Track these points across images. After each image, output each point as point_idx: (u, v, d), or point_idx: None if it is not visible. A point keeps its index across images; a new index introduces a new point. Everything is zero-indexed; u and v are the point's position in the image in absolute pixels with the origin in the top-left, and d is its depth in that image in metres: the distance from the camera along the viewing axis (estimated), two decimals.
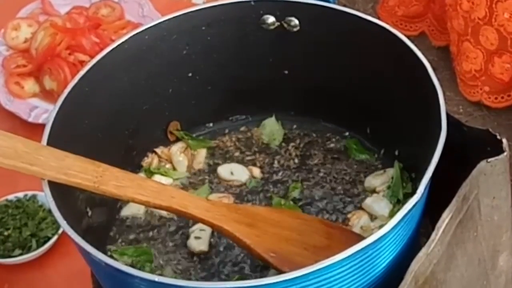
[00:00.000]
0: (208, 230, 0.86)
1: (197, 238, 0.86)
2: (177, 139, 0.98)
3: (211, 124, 1.01)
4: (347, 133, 0.97)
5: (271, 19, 0.92)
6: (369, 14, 0.88)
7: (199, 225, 0.86)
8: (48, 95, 1.31)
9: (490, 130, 0.74)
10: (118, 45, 0.88)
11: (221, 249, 0.86)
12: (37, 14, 1.44)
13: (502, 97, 1.60)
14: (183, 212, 0.76)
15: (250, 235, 0.76)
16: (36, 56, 1.32)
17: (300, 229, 0.80)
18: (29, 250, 1.04)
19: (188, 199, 0.77)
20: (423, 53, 0.81)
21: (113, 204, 0.90)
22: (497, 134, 0.73)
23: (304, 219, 0.83)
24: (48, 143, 0.78)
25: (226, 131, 1.00)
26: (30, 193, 1.11)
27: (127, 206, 0.91)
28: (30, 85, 1.32)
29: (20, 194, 1.11)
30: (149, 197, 0.75)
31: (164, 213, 0.89)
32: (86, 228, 0.82)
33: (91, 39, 1.31)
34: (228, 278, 0.83)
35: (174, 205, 0.75)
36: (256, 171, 0.94)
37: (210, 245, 0.86)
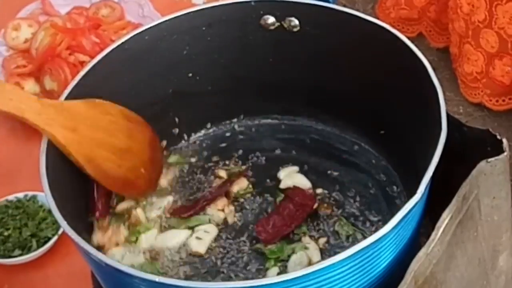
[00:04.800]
0: (212, 233, 0.87)
1: (198, 238, 0.86)
2: None
3: (209, 125, 1.01)
4: (346, 133, 0.97)
5: (271, 19, 0.92)
6: (369, 14, 0.88)
7: (205, 226, 0.88)
8: (48, 95, 1.30)
9: (490, 130, 0.74)
10: (118, 45, 0.88)
11: (218, 256, 0.86)
12: (37, 14, 1.44)
13: (503, 100, 1.61)
14: (19, 117, 0.78)
15: (73, 142, 0.81)
16: (36, 56, 1.32)
17: (109, 128, 0.87)
18: (29, 250, 1.04)
19: (25, 102, 0.79)
20: (423, 53, 0.81)
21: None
22: (497, 134, 0.73)
23: (111, 114, 0.88)
24: (49, 143, 0.78)
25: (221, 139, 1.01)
26: (30, 193, 1.10)
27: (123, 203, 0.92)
28: (30, 85, 1.32)
29: (20, 195, 1.11)
30: None
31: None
32: (86, 228, 0.83)
33: (91, 39, 1.31)
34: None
35: (11, 109, 0.78)
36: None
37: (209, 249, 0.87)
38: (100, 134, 0.86)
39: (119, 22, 1.40)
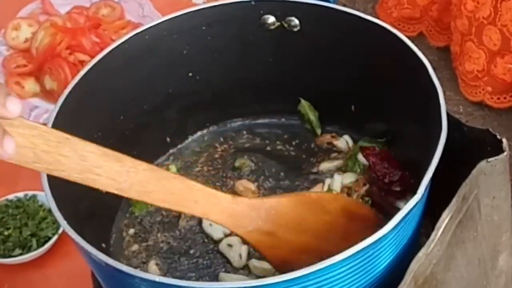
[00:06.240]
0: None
1: (229, 245, 0.86)
2: None
3: (209, 125, 1.01)
4: (346, 133, 0.97)
5: (271, 19, 0.92)
6: (369, 14, 0.88)
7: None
8: (48, 95, 1.31)
9: (490, 130, 0.74)
10: (118, 45, 0.88)
11: None
12: (37, 14, 1.44)
13: (505, 98, 1.60)
14: (204, 218, 0.72)
15: (267, 248, 0.74)
16: (36, 56, 1.32)
17: (320, 230, 0.75)
18: (29, 250, 1.04)
19: (213, 203, 0.71)
20: (423, 53, 0.81)
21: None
22: (497, 134, 0.73)
23: (329, 212, 0.77)
24: None
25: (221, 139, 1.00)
26: (30, 193, 1.11)
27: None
28: (30, 85, 1.32)
29: (21, 194, 1.11)
30: (171, 204, 0.70)
31: None
32: (86, 228, 0.82)
33: (91, 39, 1.31)
34: None
35: (196, 213, 0.72)
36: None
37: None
38: (305, 237, 0.75)
39: (119, 22, 1.40)
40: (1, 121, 0.56)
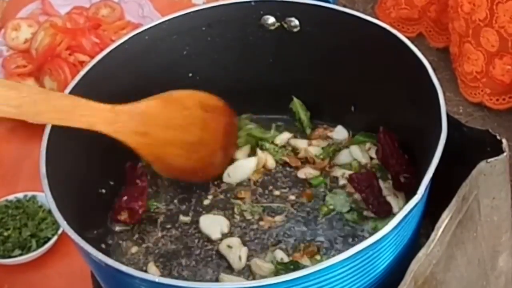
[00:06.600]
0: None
1: (229, 247, 0.86)
2: None
3: None
4: (346, 132, 0.98)
5: (271, 19, 0.92)
6: (369, 15, 0.88)
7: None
8: None
9: (490, 130, 0.74)
10: (118, 45, 0.88)
11: None
12: (37, 14, 1.44)
13: (504, 99, 1.61)
14: (91, 130, 0.79)
15: (143, 146, 0.84)
16: (36, 57, 1.32)
17: (182, 124, 0.88)
18: (29, 250, 1.04)
19: (97, 115, 0.80)
20: (422, 54, 0.81)
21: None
22: (497, 135, 0.73)
23: (187, 107, 0.89)
24: (49, 143, 0.78)
25: None
26: (30, 193, 1.10)
27: None
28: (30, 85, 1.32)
29: (20, 195, 1.11)
30: (62, 120, 0.77)
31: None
32: (86, 228, 0.82)
33: (91, 39, 1.31)
34: None
35: (84, 124, 0.79)
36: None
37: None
38: (171, 132, 0.87)
39: (119, 22, 1.40)
40: None
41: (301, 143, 0.96)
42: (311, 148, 0.95)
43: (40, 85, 1.31)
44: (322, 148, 0.95)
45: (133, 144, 0.83)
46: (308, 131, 0.98)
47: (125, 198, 0.90)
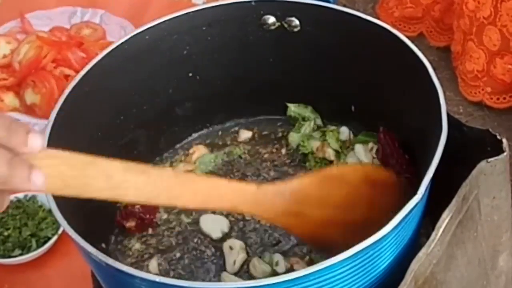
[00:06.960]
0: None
1: (230, 248, 0.86)
2: None
3: (209, 125, 1.01)
4: (345, 132, 0.97)
5: (271, 19, 0.92)
6: (369, 14, 0.88)
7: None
8: (29, 109, 1.27)
9: (490, 130, 0.74)
10: (118, 45, 0.88)
11: None
12: (15, 32, 1.42)
13: (504, 98, 1.61)
14: (232, 211, 0.74)
15: (296, 226, 0.76)
16: (20, 69, 1.29)
17: (344, 202, 0.77)
18: (29, 250, 1.04)
19: (241, 195, 0.72)
20: (423, 53, 0.81)
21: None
22: (497, 134, 0.73)
23: (351, 184, 0.78)
24: (48, 143, 0.77)
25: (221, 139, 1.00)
26: (30, 193, 1.11)
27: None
28: (10, 99, 1.29)
29: (20, 195, 1.11)
30: (200, 203, 0.72)
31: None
32: (86, 228, 0.82)
33: (77, 53, 1.29)
34: None
35: (226, 206, 0.74)
36: None
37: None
38: (330, 211, 0.77)
39: (102, 41, 1.38)
40: (27, 156, 0.58)
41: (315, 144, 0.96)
42: (328, 149, 0.95)
43: (20, 99, 1.29)
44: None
45: (285, 225, 0.76)
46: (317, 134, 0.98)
47: (138, 206, 0.89)
